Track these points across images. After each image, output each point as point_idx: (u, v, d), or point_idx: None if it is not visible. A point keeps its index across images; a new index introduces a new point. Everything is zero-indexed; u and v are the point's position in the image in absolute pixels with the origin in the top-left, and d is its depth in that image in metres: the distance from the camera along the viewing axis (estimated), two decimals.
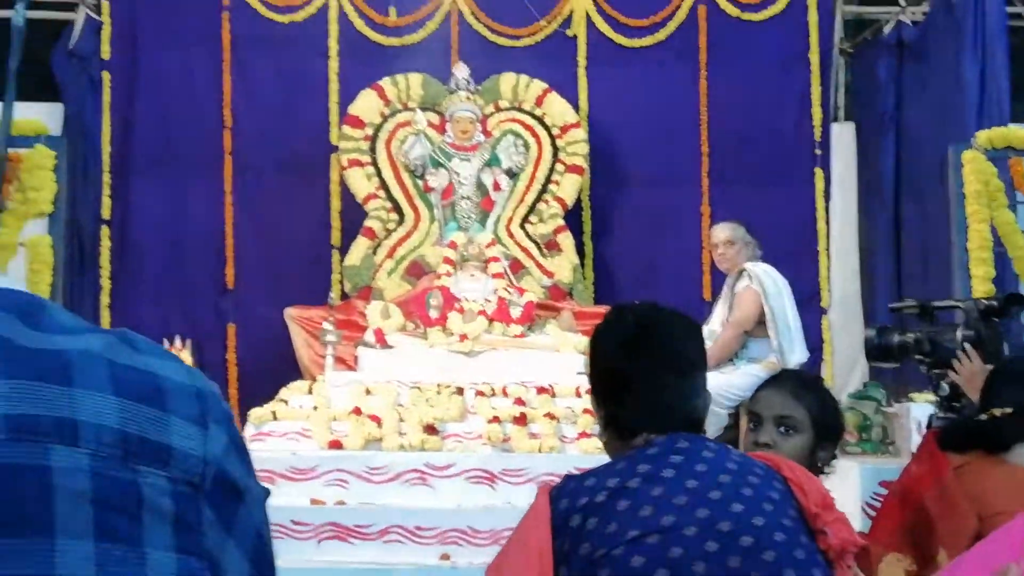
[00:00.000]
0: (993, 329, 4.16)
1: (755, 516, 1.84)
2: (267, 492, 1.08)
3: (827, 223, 9.14)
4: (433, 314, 7.41)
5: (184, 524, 0.96)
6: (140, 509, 0.93)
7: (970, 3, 7.86)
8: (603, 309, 8.03)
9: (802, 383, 2.84)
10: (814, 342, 8.71)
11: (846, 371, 9.12)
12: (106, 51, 8.76)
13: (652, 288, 8.80)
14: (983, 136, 4.95)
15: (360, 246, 8.26)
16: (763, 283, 6.46)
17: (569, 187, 8.49)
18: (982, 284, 4.80)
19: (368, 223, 8.31)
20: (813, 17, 9.13)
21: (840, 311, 9.15)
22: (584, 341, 7.27)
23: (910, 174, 8.77)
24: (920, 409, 6.89)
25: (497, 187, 8.40)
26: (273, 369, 8.24)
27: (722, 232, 6.76)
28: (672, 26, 9.10)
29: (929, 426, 4.21)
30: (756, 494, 1.87)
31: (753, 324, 6.45)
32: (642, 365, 2.03)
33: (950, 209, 5.05)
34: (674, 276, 8.93)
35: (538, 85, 8.57)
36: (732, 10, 9.11)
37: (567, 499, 1.87)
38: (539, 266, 8.25)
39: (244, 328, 8.76)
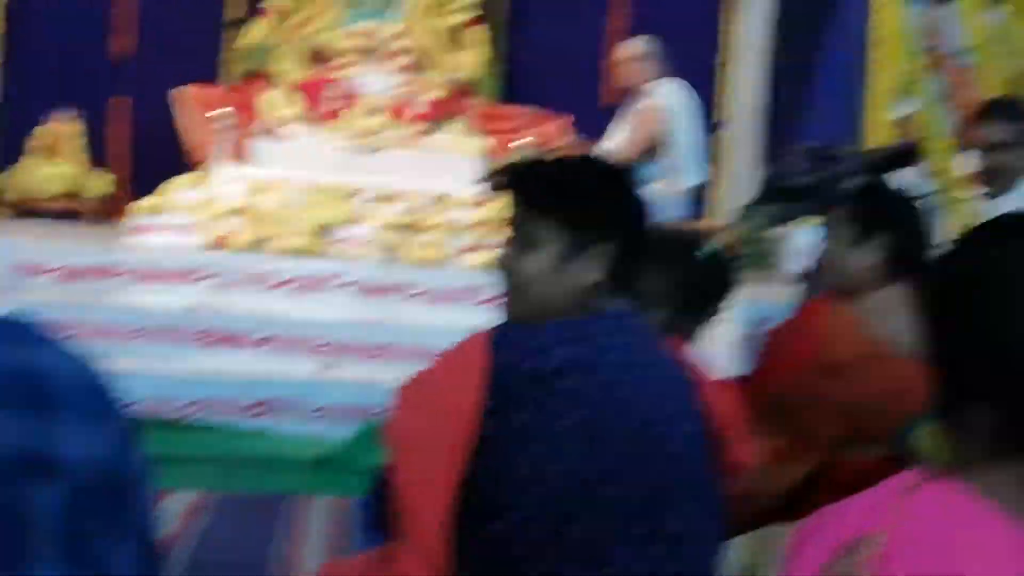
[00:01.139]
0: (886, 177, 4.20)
1: (674, 433, 1.81)
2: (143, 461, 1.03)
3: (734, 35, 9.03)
4: (332, 107, 7.22)
5: (74, 536, 0.92)
6: (25, 529, 0.89)
7: None
8: (509, 108, 7.98)
9: None
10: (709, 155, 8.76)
11: (737, 187, 9.18)
12: None
13: (561, 88, 8.67)
14: None
15: (259, 26, 7.95)
16: (668, 100, 6.40)
17: None
18: (881, 129, 4.81)
19: (267, 3, 7.98)
20: None
21: (738, 124, 9.14)
22: (486, 143, 7.22)
23: None
24: (804, 235, 7.03)
25: None
26: (162, 147, 8.02)
27: (631, 47, 6.64)
28: None
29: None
30: (676, 407, 1.84)
31: (654, 142, 6.41)
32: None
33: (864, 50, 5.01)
34: (581, 77, 8.79)
35: None
36: None
37: (508, 356, 1.76)
38: (446, 59, 8.04)
39: (138, 102, 8.46)
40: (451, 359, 1.81)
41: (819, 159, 4.48)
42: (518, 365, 1.75)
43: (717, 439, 1.89)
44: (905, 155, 4.40)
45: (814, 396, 2.57)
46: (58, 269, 4.99)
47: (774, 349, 2.74)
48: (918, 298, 1.29)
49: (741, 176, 9.18)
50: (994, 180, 3.90)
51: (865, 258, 2.63)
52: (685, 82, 6.51)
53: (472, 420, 1.72)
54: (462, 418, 1.72)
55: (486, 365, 1.74)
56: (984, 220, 1.33)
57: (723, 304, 2.78)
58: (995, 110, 3.94)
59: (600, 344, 1.80)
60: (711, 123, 8.91)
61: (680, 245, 2.82)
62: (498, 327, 1.83)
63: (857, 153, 4.05)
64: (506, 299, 1.90)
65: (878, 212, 2.70)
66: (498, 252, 1.93)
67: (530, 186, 1.92)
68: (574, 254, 1.85)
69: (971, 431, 1.14)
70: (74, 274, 4.99)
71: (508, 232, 1.91)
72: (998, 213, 3.71)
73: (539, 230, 1.86)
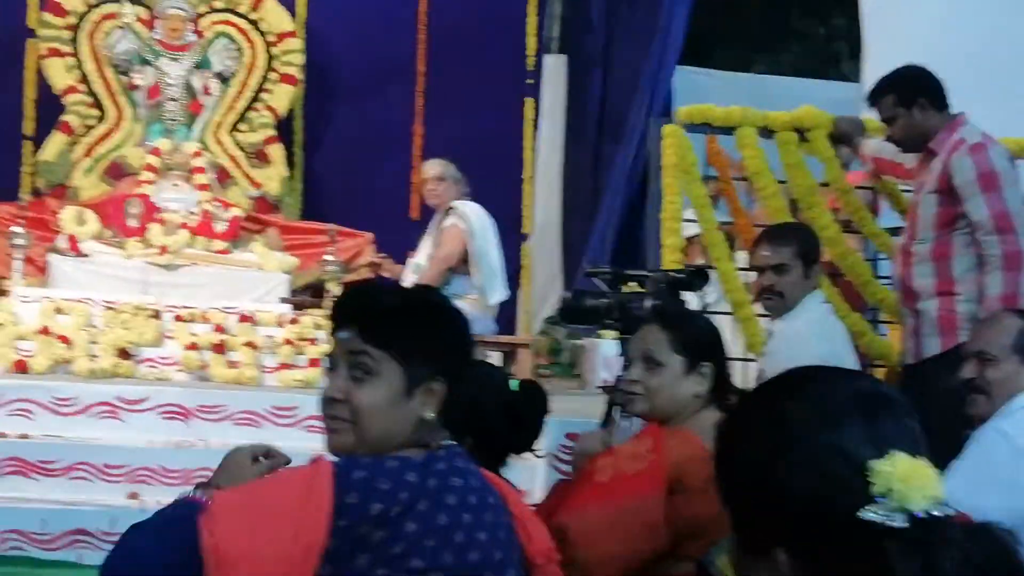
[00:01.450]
0: (678, 300, 4.43)
1: (508, 565, 1.88)
2: None
3: (533, 151, 9.37)
4: (132, 223, 7.18)
5: None
6: None
7: None
8: (311, 224, 8.06)
9: (667, 319, 2.94)
10: (514, 268, 9.03)
11: (542, 297, 9.46)
12: None
13: (361, 205, 8.84)
14: (683, 111, 5.21)
15: (56, 141, 7.86)
16: (470, 221, 6.61)
17: (282, 97, 8.34)
18: (672, 254, 5.08)
19: (66, 117, 7.91)
20: None
21: (540, 238, 9.45)
22: (289, 260, 7.26)
23: (612, 114, 9.11)
24: (608, 345, 7.29)
25: (207, 91, 8.15)
26: None
27: (432, 168, 6.85)
28: None
29: (615, 388, 4.42)
30: (505, 536, 1.90)
31: (457, 261, 6.61)
32: None
33: (648, 180, 5.31)
34: (384, 193, 8.96)
35: None
36: None
37: (357, 496, 1.74)
38: (247, 176, 8.10)
39: None
40: (295, 489, 1.76)
41: (614, 281, 4.69)
42: (366, 508, 1.74)
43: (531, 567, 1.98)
44: (695, 277, 4.67)
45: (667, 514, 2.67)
46: None
47: (614, 473, 2.81)
48: (715, 445, 1.42)
49: (546, 285, 9.48)
50: (773, 301, 4.20)
51: (693, 387, 2.83)
52: (479, 206, 6.74)
53: (314, 557, 1.70)
54: (308, 553, 1.70)
55: (332, 503, 1.72)
56: (769, 377, 1.47)
57: (536, 431, 2.91)
58: (770, 235, 4.26)
59: (440, 485, 1.82)
60: (521, 235, 9.21)
61: (491, 376, 2.95)
62: (340, 462, 1.81)
63: (651, 275, 4.28)
64: (338, 428, 1.89)
65: (703, 345, 2.90)
66: (330, 381, 1.91)
67: (370, 320, 1.91)
68: (412, 388, 1.88)
69: (772, 570, 1.26)
70: None
71: (342, 361, 1.90)
72: (781, 332, 3.95)
73: (379, 363, 1.87)
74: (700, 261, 6.14)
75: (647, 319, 3.02)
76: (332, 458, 1.87)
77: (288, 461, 2.00)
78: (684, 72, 8.70)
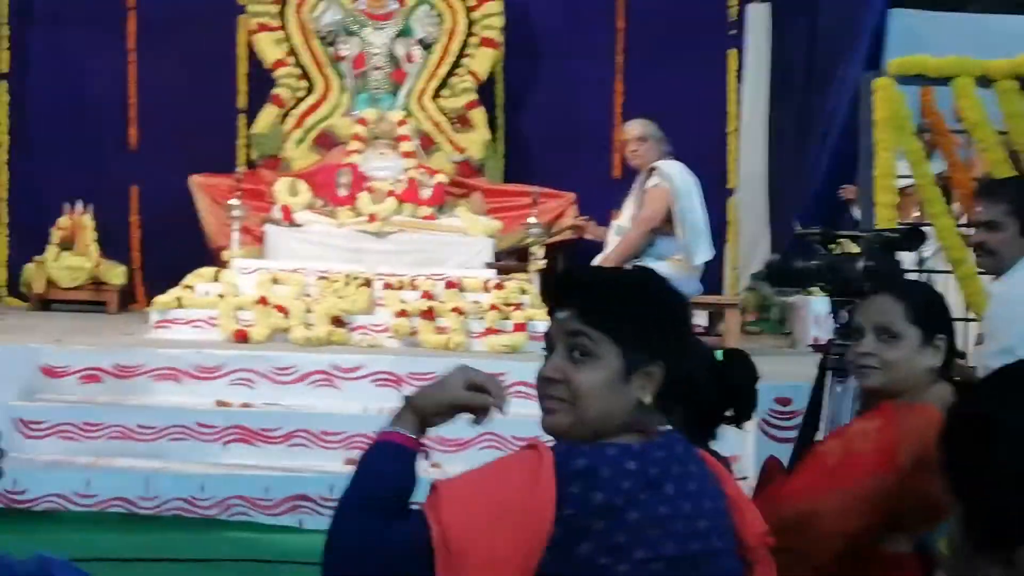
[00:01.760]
0: (892, 261, 4.25)
1: (725, 552, 1.86)
2: None
3: (738, 104, 9.17)
4: (342, 192, 7.36)
5: None
6: None
7: None
8: (514, 187, 8.11)
9: (902, 289, 2.84)
10: (719, 223, 8.89)
11: (749, 252, 9.30)
12: None
13: (563, 165, 8.85)
14: (894, 63, 4.98)
15: (268, 114, 8.12)
16: (673, 181, 6.51)
17: (483, 61, 8.40)
18: (885, 211, 4.89)
19: (276, 90, 8.16)
20: None
21: (746, 193, 9.28)
22: (493, 224, 7.33)
23: (820, 60, 8.83)
24: (819, 303, 7.11)
25: (410, 58, 8.27)
26: (176, 234, 8.18)
27: (634, 128, 6.76)
28: None
29: (827, 351, 4.29)
30: (724, 522, 1.87)
31: (661, 222, 6.52)
32: None
33: (860, 136, 5.11)
34: (585, 152, 8.95)
35: None
36: None
37: (579, 486, 1.73)
38: (450, 141, 8.20)
39: (147, 190, 8.62)
40: (521, 479, 1.74)
41: (824, 241, 4.53)
42: (588, 497, 1.73)
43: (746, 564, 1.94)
44: (911, 236, 4.47)
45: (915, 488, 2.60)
46: (80, 371, 5.07)
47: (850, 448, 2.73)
48: (944, 431, 1.36)
49: (753, 241, 9.31)
50: (990, 259, 3.98)
51: (928, 360, 2.72)
52: (682, 165, 6.62)
53: (541, 547, 1.71)
54: (535, 543, 1.70)
55: (555, 493, 1.72)
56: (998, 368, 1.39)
57: (750, 401, 2.84)
58: (983, 190, 4.04)
59: (661, 473, 1.80)
60: (726, 190, 9.06)
61: (697, 346, 2.89)
62: (560, 450, 1.79)
63: (864, 235, 4.12)
64: (556, 409, 1.86)
65: (937, 316, 2.78)
66: (548, 360, 1.86)
67: (591, 302, 1.88)
68: (631, 371, 1.85)
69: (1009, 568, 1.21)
70: (96, 375, 5.08)
71: (560, 341, 1.86)
72: (999, 294, 3.75)
73: (598, 344, 1.83)
74: (915, 215, 5.90)
75: (879, 288, 2.89)
76: (548, 442, 1.86)
77: (487, 409, 1.97)
78: (896, 14, 8.32)
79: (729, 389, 2.78)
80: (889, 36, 8.10)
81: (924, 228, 4.81)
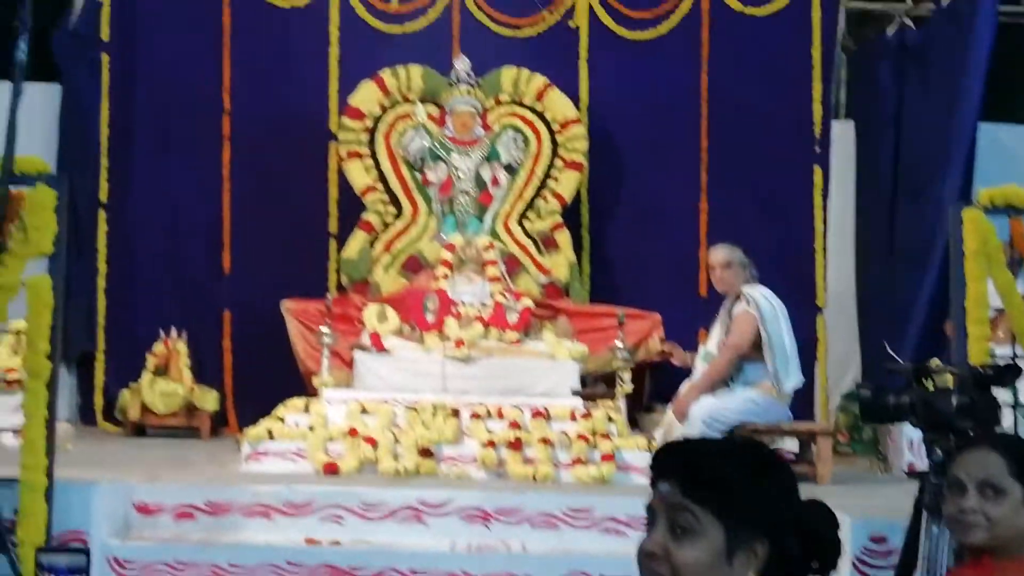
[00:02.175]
0: (988, 397, 4.18)
1: None
2: None
3: (824, 221, 9.13)
4: (430, 318, 7.44)
5: None
6: None
7: (967, 12, 7.85)
8: (600, 308, 8.13)
9: (1003, 444, 2.76)
10: (808, 340, 8.80)
11: (840, 370, 9.19)
12: (106, 32, 8.69)
13: (649, 284, 8.86)
14: (984, 194, 4.95)
15: (358, 239, 8.28)
16: (760, 307, 6.49)
17: (568, 183, 8.49)
18: (978, 344, 4.82)
19: (366, 216, 8.31)
20: (816, 13, 9.06)
21: (835, 310, 9.19)
22: (579, 348, 7.34)
23: (908, 176, 8.79)
24: (910, 430, 6.98)
25: (496, 182, 8.39)
26: (268, 357, 8.33)
27: (720, 254, 6.77)
28: (675, 19, 9.04)
29: (922, 489, 4.22)
30: None
31: (749, 348, 6.49)
32: None
33: (950, 267, 5.06)
34: (671, 273, 8.96)
35: (539, 79, 8.52)
36: (736, 4, 9.03)
37: None
38: (536, 263, 8.27)
39: (240, 314, 8.79)
40: None
41: (918, 376, 4.47)
42: None
43: None
44: (1006, 372, 4.39)
45: None
46: (174, 508, 5.15)
47: None
48: None
49: (844, 359, 9.20)
50: None
51: None
52: (768, 291, 6.61)
53: None
54: None
55: None
56: None
57: (834, 550, 2.79)
58: None
59: None
60: (815, 307, 8.99)
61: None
62: None
63: (957, 370, 4.06)
64: None
65: None
66: (649, 534, 1.83)
67: (694, 475, 1.84)
68: (734, 549, 1.81)
69: None
70: (190, 513, 5.15)
71: (661, 514, 1.83)
72: None
73: (700, 520, 1.80)
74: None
75: (982, 442, 2.84)
76: None
77: None
78: (984, 129, 8.27)
79: (811, 540, 2.74)
80: (978, 151, 8.05)
81: (1020, 364, 4.73)
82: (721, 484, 1.84)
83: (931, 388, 4.28)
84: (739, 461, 1.89)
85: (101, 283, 8.69)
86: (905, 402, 4.30)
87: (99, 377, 8.61)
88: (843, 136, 9.32)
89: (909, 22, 8.86)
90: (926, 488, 4.14)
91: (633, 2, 9.00)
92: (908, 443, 7.12)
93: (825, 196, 9.12)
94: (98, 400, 8.59)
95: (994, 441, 2.84)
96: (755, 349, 6.50)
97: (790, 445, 7.03)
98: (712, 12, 9.05)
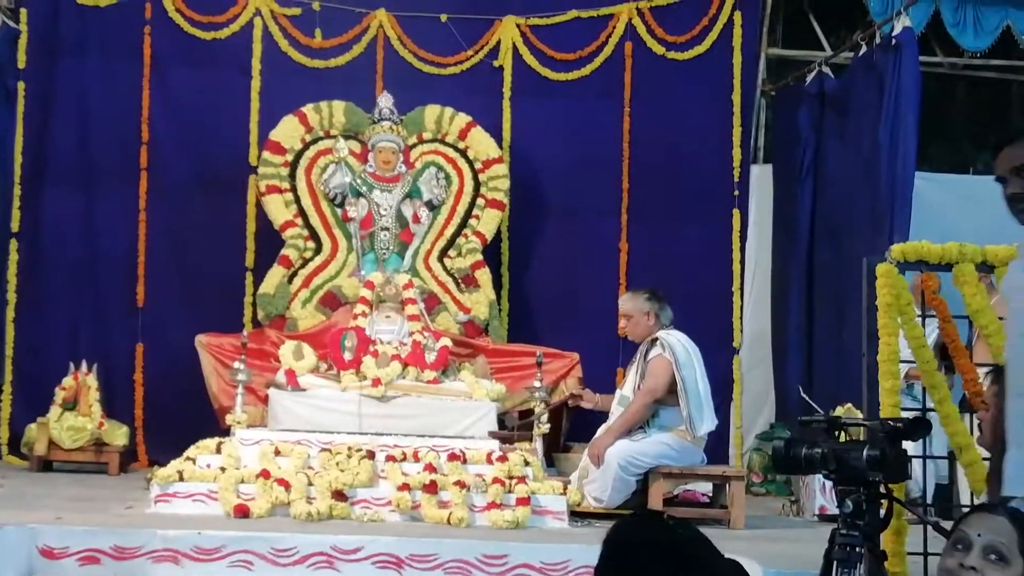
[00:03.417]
0: (898, 450, 4.23)
1: None
2: None
3: (742, 263, 9.24)
4: (347, 356, 7.37)
5: None
6: None
7: (888, 63, 8.00)
8: (518, 347, 8.13)
9: (1018, 516, 2.80)
10: (724, 381, 8.88)
11: (754, 411, 9.29)
12: (22, 60, 8.55)
13: (568, 323, 8.89)
14: (896, 249, 5.02)
15: (275, 274, 8.19)
16: (675, 353, 6.52)
17: (489, 222, 8.49)
18: (889, 397, 4.88)
19: (285, 251, 8.23)
20: (737, 59, 9.20)
21: (750, 351, 9.30)
22: (497, 388, 7.32)
23: (825, 222, 8.93)
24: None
25: (417, 219, 8.37)
26: (181, 391, 8.20)
27: (622, 304, 6.84)
28: (598, 61, 9.12)
29: (832, 540, 4.25)
30: None
31: (664, 393, 6.52)
32: None
33: (862, 319, 5.13)
34: (590, 313, 8.99)
35: (462, 118, 8.53)
36: (658, 48, 9.14)
37: None
38: (456, 301, 8.25)
39: (153, 348, 8.65)
40: None
41: (830, 429, 4.51)
42: None
43: None
44: (916, 426, 4.45)
45: None
46: (80, 552, 5.02)
47: None
48: None
49: (758, 399, 9.30)
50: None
51: None
52: (684, 336, 6.65)
53: None
54: None
55: None
56: None
57: None
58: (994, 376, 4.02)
59: None
60: (731, 348, 9.07)
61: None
62: None
63: (869, 424, 4.10)
64: None
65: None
66: None
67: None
68: None
69: None
70: (95, 557, 5.03)
71: None
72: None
73: None
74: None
75: (999, 510, 2.89)
76: None
77: None
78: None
79: None
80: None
81: (928, 419, 4.80)
82: None
83: (843, 441, 4.32)
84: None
85: (10, 314, 8.51)
86: (817, 454, 4.33)
87: (5, 410, 8.42)
88: (762, 180, 9.46)
89: (828, 70, 9.02)
90: (835, 540, 4.17)
91: (557, 44, 9.07)
92: (821, 486, 7.19)
93: (743, 239, 9.24)
94: (3, 433, 8.40)
95: (1012, 512, 2.88)
96: (670, 394, 6.53)
97: (704, 488, 7.06)
98: (635, 55, 9.15)
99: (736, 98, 9.19)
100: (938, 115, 9.79)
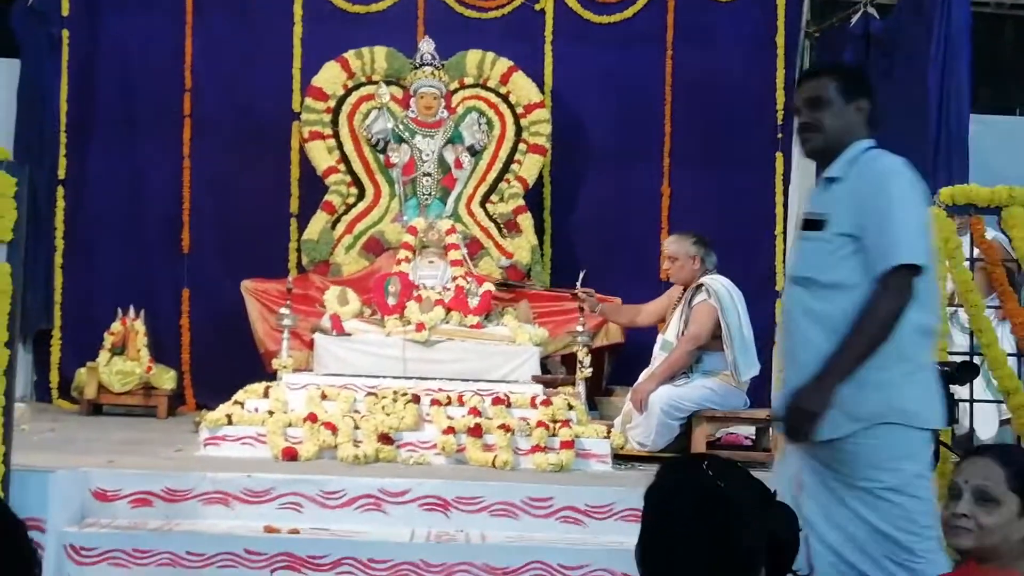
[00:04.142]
0: (946, 393, 4.23)
1: None
2: None
3: (784, 207, 9.17)
4: (391, 301, 7.41)
5: None
6: None
7: (936, 4, 7.87)
8: (561, 292, 8.14)
9: (1005, 454, 2.84)
10: (766, 325, 8.85)
11: None
12: (66, 8, 8.58)
13: (611, 268, 8.88)
14: (945, 193, 4.98)
15: (319, 220, 8.23)
16: (720, 298, 6.52)
17: (531, 167, 8.48)
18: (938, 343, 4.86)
19: (328, 197, 8.27)
20: (781, 0, 9.08)
21: None
22: (540, 332, 7.34)
23: None
24: None
25: (459, 164, 8.37)
26: (226, 337, 8.29)
27: (667, 246, 6.83)
28: (640, 3, 9.04)
29: None
30: None
31: (708, 339, 6.52)
32: None
33: None
34: (632, 257, 8.99)
35: (504, 63, 8.49)
36: None
37: None
38: (498, 246, 8.27)
39: (199, 293, 8.74)
40: None
41: None
42: None
43: None
44: (963, 370, 4.47)
45: None
46: (131, 495, 5.11)
47: None
48: None
49: None
50: None
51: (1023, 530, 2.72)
52: (728, 281, 6.64)
53: None
54: None
55: None
56: None
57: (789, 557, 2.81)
58: None
59: None
60: (775, 292, 9.04)
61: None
62: None
63: None
64: None
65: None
66: None
67: None
68: None
69: None
70: (147, 499, 5.11)
71: None
72: None
73: None
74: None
75: (985, 452, 2.88)
76: None
77: None
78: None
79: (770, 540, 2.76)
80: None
81: (976, 363, 4.79)
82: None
83: None
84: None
85: (58, 260, 8.61)
86: None
87: (55, 355, 8.54)
88: None
89: (873, 11, 8.89)
90: None
91: None
92: None
93: (786, 183, 9.16)
94: (54, 378, 8.53)
95: (996, 451, 2.87)
96: (714, 339, 6.53)
97: (747, 431, 7.08)
98: None
99: (780, 40, 9.09)
100: (985, 56, 9.64)
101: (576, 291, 7.28)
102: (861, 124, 3.42)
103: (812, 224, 3.40)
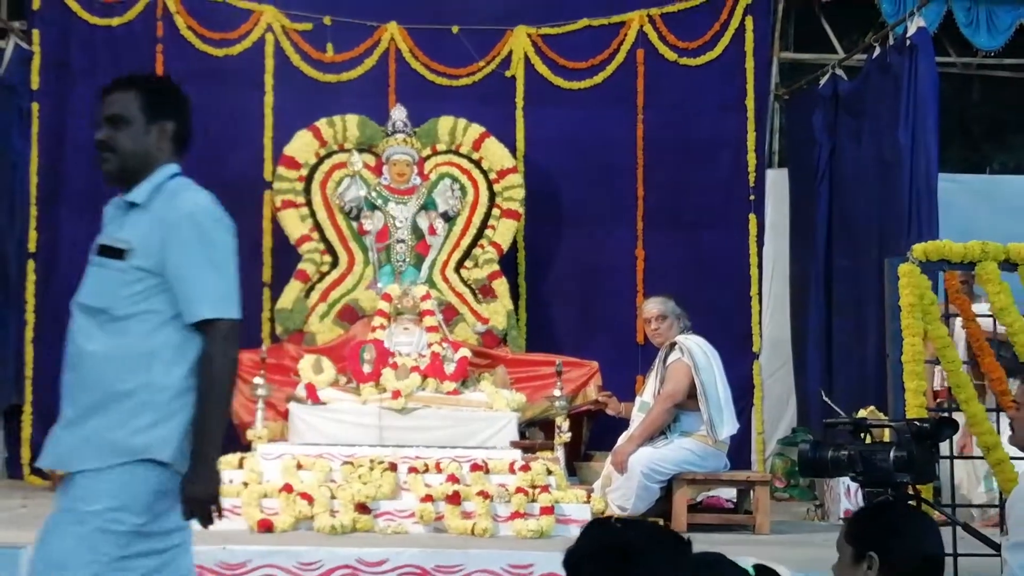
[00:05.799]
0: (925, 451, 4.20)
1: None
2: None
3: (759, 268, 9.20)
4: (366, 369, 7.36)
5: None
6: None
7: (903, 65, 7.97)
8: (537, 356, 8.11)
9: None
10: (745, 386, 8.85)
11: (776, 416, 9.24)
12: (35, 81, 8.57)
13: (586, 332, 8.87)
14: (919, 249, 5.00)
15: (293, 288, 8.19)
16: (694, 356, 6.50)
17: (505, 232, 8.48)
18: (915, 397, 4.85)
19: (301, 265, 8.23)
20: (750, 63, 9.18)
21: (770, 356, 9.25)
22: (517, 398, 7.30)
23: (843, 225, 8.89)
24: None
25: (433, 231, 8.36)
26: None
27: (652, 308, 6.80)
28: (610, 69, 9.11)
29: None
30: None
31: (684, 397, 6.50)
32: None
33: (885, 321, 5.10)
34: (608, 321, 8.98)
35: (476, 129, 8.52)
36: (670, 55, 9.12)
37: None
38: (473, 312, 8.24)
39: None
40: None
41: (856, 432, 4.49)
42: None
43: None
44: (942, 426, 4.43)
45: None
46: None
47: None
48: None
49: (780, 404, 9.26)
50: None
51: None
52: (702, 339, 6.64)
53: None
54: None
55: None
56: None
57: None
58: (1011, 373, 4.01)
59: None
60: (752, 354, 9.04)
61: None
62: None
63: (895, 425, 4.08)
64: None
65: (870, 535, 2.85)
66: None
67: None
68: None
69: None
70: None
71: None
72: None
73: None
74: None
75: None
76: None
77: None
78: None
79: None
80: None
81: (954, 418, 4.76)
82: None
83: (869, 442, 4.29)
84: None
85: (29, 334, 8.52)
86: (843, 457, 4.31)
87: (26, 430, 8.42)
88: (778, 184, 9.43)
89: (841, 73, 9.00)
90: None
91: (569, 52, 9.06)
92: (845, 489, 7.14)
93: (760, 244, 9.20)
94: (25, 453, 8.40)
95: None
96: (690, 398, 6.51)
97: (728, 494, 7.03)
98: (647, 62, 9.13)
99: (750, 103, 9.16)
100: (953, 115, 9.77)
101: (598, 396, 7.28)
102: (166, 148, 3.18)
103: (110, 251, 3.17)
